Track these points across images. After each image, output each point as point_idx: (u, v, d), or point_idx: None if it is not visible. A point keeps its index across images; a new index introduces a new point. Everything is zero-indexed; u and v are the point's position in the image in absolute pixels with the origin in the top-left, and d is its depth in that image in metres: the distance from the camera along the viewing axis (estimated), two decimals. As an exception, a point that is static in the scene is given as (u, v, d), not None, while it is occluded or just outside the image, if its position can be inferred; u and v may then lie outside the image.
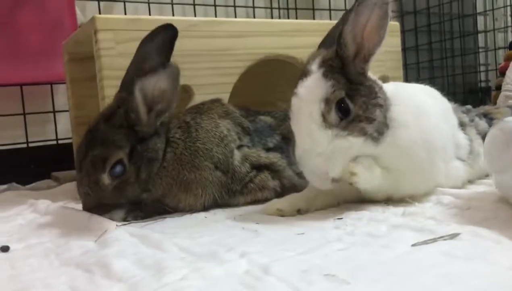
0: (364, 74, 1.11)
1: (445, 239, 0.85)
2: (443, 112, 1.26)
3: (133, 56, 1.30)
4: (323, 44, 1.23)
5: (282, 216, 1.15)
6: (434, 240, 0.85)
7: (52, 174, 2.17)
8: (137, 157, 1.22)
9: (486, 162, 1.09)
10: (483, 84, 3.53)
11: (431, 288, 0.66)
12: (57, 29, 2.15)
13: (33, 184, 2.02)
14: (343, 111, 1.05)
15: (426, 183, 1.17)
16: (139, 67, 1.26)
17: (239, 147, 1.33)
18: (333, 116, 1.05)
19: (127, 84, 1.26)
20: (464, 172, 1.27)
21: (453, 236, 0.86)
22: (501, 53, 3.26)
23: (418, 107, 1.17)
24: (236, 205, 1.32)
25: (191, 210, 1.28)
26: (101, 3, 2.36)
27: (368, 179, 1.08)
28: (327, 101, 1.05)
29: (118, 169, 1.21)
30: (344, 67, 1.09)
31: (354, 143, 1.05)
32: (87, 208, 1.24)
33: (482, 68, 3.54)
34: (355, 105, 1.06)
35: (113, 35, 1.52)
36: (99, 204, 1.22)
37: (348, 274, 0.73)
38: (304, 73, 1.11)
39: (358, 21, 1.07)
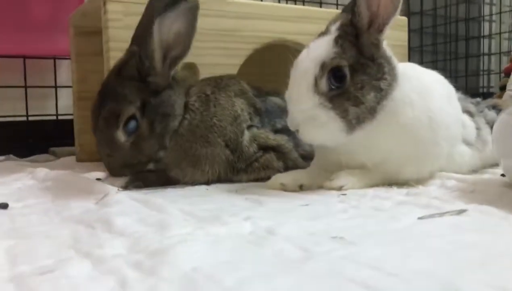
0: (378, 46, 1.10)
1: (452, 214, 0.85)
2: (448, 96, 1.25)
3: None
4: (347, 9, 1.22)
5: (285, 190, 1.14)
6: (441, 215, 0.84)
7: (50, 149, 2.15)
8: (150, 111, 1.21)
9: (495, 147, 1.08)
10: (485, 90, 3.53)
11: (442, 253, 0.65)
12: (64, 3, 2.13)
13: (31, 157, 2.00)
14: (337, 79, 1.06)
15: (430, 164, 1.16)
16: (154, 8, 1.23)
17: (249, 127, 1.32)
18: (324, 82, 1.06)
19: (139, 36, 1.25)
20: (470, 158, 1.27)
21: (460, 211, 0.86)
22: (504, 60, 3.26)
23: (425, 88, 1.16)
24: (239, 181, 1.31)
25: (194, 183, 1.27)
26: (109, -19, 2.34)
27: (355, 181, 1.12)
28: (323, 65, 1.06)
29: (132, 124, 1.20)
30: (358, 37, 1.08)
31: (331, 123, 1.06)
32: (113, 169, 1.24)
33: (485, 73, 3.55)
34: (352, 79, 1.06)
35: (122, 7, 1.51)
36: (123, 165, 1.22)
37: (355, 238, 0.72)
38: (324, 31, 1.13)
39: None
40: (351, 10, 1.10)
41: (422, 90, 1.14)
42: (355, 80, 1.06)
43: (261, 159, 1.32)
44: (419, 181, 1.15)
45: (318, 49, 1.08)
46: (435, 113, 1.13)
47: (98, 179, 1.28)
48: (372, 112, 1.07)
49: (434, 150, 1.14)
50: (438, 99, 1.17)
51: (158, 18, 1.20)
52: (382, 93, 1.08)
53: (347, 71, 1.06)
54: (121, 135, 1.20)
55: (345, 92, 1.06)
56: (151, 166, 1.25)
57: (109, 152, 1.23)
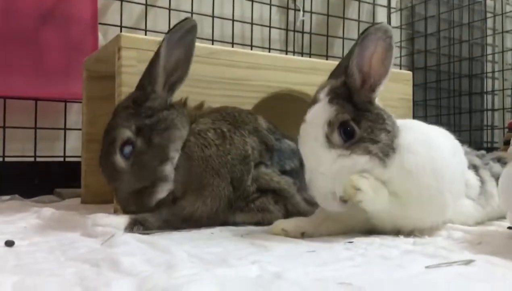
0: (371, 102, 1.13)
1: (459, 264, 0.84)
2: (453, 150, 1.27)
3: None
4: (332, 75, 1.27)
5: (287, 236, 1.14)
6: (448, 264, 0.84)
7: (55, 190, 2.16)
8: (146, 130, 1.24)
9: (501, 200, 1.09)
10: (488, 144, 3.56)
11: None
12: (78, 49, 2.20)
13: (36, 198, 2.01)
14: (348, 134, 1.08)
15: (435, 213, 1.16)
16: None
17: (258, 164, 1.34)
18: (336, 137, 1.08)
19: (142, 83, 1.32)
20: (475, 211, 1.27)
21: (468, 262, 0.85)
22: (508, 116, 3.31)
23: (429, 139, 1.18)
24: (233, 223, 1.31)
25: (191, 215, 1.26)
26: (123, 29, 2.43)
27: (374, 198, 1.07)
28: (330, 123, 1.08)
29: (127, 148, 1.22)
30: (352, 96, 1.12)
31: (358, 161, 1.06)
32: (122, 201, 1.25)
33: (488, 128, 3.58)
34: (360, 129, 1.08)
35: (136, 54, 1.55)
36: (131, 192, 1.23)
37: (363, 284, 0.71)
38: (313, 101, 1.16)
39: (364, 54, 1.11)
40: (344, 71, 1.13)
41: (426, 142, 1.16)
42: (363, 127, 1.09)
43: (257, 200, 1.33)
44: (424, 231, 1.14)
45: (318, 114, 1.11)
46: (440, 165, 1.14)
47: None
48: (391, 147, 1.10)
49: (438, 199, 1.14)
50: (443, 152, 1.19)
51: (166, 39, 1.27)
52: (391, 134, 1.11)
53: (353, 124, 1.08)
54: (119, 161, 1.22)
55: (360, 140, 1.08)
56: (163, 192, 1.24)
57: (114, 183, 1.23)
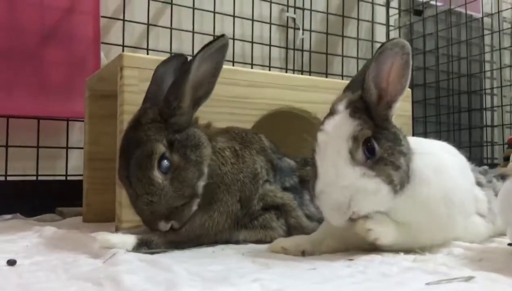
0: (388, 120, 1.13)
1: (459, 281, 0.85)
2: (461, 168, 1.27)
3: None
4: (348, 88, 1.25)
5: (287, 254, 1.14)
6: (448, 281, 0.84)
7: (57, 209, 2.16)
8: (179, 146, 1.23)
9: (501, 216, 1.09)
10: (488, 161, 3.56)
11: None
12: (81, 68, 2.23)
13: (38, 216, 2.01)
14: (370, 151, 1.07)
15: (444, 236, 1.17)
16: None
17: (264, 182, 1.36)
18: (361, 154, 1.06)
19: (150, 97, 1.33)
20: (485, 228, 1.27)
21: (468, 278, 0.85)
22: (507, 132, 3.32)
23: (438, 162, 1.18)
24: (236, 241, 1.32)
25: (197, 229, 1.26)
26: (125, 49, 2.45)
27: (385, 232, 1.08)
28: (355, 139, 1.06)
29: (165, 163, 1.20)
30: (369, 111, 1.11)
31: (381, 189, 1.05)
32: (156, 217, 1.20)
33: (488, 144, 3.60)
34: (381, 148, 1.08)
35: (138, 73, 1.57)
36: (168, 208, 1.20)
37: (363, 301, 0.72)
38: (331, 112, 1.14)
39: (380, 69, 1.10)
40: (360, 85, 1.13)
41: (437, 166, 1.16)
42: (383, 147, 1.08)
43: (261, 218, 1.34)
44: (426, 249, 1.14)
45: (340, 127, 1.09)
46: (450, 189, 1.15)
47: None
48: (408, 175, 1.10)
49: (448, 223, 1.15)
50: (452, 173, 1.19)
51: (198, 56, 1.25)
52: (407, 157, 1.11)
53: (374, 142, 1.08)
54: (158, 176, 1.19)
55: (380, 160, 1.07)
56: (195, 206, 1.25)
57: (151, 198, 1.19)
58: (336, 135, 1.08)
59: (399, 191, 1.08)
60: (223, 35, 1.30)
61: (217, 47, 1.29)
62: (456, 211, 1.16)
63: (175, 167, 1.22)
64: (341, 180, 1.05)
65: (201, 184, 1.26)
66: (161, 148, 1.21)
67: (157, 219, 1.21)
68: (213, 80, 1.32)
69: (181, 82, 1.26)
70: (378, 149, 1.07)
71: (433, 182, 1.13)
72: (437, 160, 1.19)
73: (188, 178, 1.23)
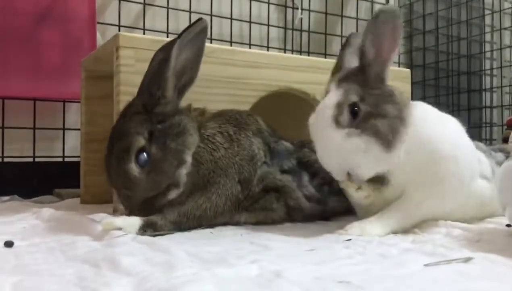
0: (383, 82, 1.16)
1: (458, 262, 0.84)
2: (463, 131, 1.28)
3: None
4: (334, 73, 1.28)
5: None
6: (447, 262, 0.84)
7: (55, 190, 2.16)
8: (159, 136, 1.22)
9: (500, 196, 1.08)
10: (487, 142, 3.56)
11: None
12: (76, 49, 2.19)
13: (36, 198, 2.01)
14: (355, 113, 1.10)
15: (453, 199, 1.18)
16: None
17: (262, 164, 1.35)
18: (345, 117, 1.09)
19: (143, 89, 1.29)
20: (490, 191, 1.26)
21: (467, 259, 0.85)
22: (506, 113, 3.31)
23: (443, 120, 1.23)
24: (237, 223, 1.31)
25: (195, 210, 1.25)
26: (122, 29, 2.42)
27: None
28: (338, 105, 1.10)
29: (142, 157, 1.19)
30: (364, 72, 1.15)
31: (370, 143, 1.08)
32: (133, 211, 1.21)
33: (487, 125, 3.59)
34: (368, 106, 1.11)
35: (134, 53, 1.55)
36: (144, 200, 1.20)
37: (362, 282, 0.71)
38: (325, 92, 1.19)
39: (375, 32, 1.14)
40: (359, 50, 1.18)
41: (442, 124, 1.21)
42: (370, 103, 1.11)
43: (261, 200, 1.34)
44: (424, 229, 1.15)
45: (327, 100, 1.14)
46: (456, 147, 1.17)
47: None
48: (401, 121, 1.12)
49: (455, 182, 1.16)
50: (457, 131, 1.23)
51: (177, 42, 1.23)
52: (399, 106, 1.13)
53: (359, 103, 1.11)
54: (134, 169, 1.19)
55: (368, 116, 1.10)
56: (173, 195, 1.23)
57: (128, 192, 1.21)
58: (323, 108, 1.13)
59: (393, 141, 1.09)
60: (200, 19, 1.28)
61: (196, 32, 1.27)
62: (463, 168, 1.17)
63: (152, 159, 1.21)
64: (329, 144, 1.10)
65: (183, 172, 1.24)
66: (140, 141, 1.20)
67: (134, 211, 1.21)
68: (196, 66, 1.31)
69: (162, 71, 1.24)
70: (363, 108, 1.10)
71: (438, 138, 1.15)
72: (441, 118, 1.23)
73: (165, 168, 1.21)
